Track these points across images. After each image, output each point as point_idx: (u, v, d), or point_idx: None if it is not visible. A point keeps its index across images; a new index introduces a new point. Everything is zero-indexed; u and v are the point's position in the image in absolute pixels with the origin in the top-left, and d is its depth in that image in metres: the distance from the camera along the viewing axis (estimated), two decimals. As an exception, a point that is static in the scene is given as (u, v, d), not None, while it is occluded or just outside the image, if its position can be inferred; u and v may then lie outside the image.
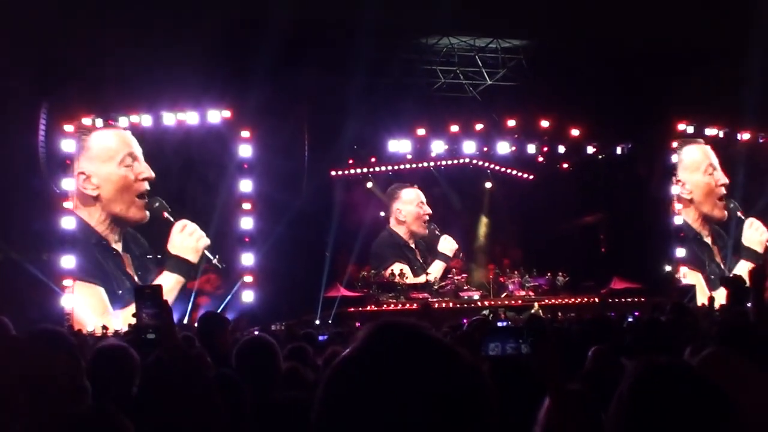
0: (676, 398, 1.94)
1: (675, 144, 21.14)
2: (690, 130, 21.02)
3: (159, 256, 17.18)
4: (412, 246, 22.03)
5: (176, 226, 17.13)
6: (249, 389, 4.09)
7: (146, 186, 17.12)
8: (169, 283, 16.48)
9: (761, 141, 21.23)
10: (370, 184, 22.66)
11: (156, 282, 15.99)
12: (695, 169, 20.76)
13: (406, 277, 20.84)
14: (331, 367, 1.41)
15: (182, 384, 3.12)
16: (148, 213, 17.08)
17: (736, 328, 3.58)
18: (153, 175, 17.09)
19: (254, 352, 4.21)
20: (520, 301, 19.82)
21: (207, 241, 17.12)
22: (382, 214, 22.60)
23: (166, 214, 17.13)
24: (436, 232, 21.95)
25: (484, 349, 2.84)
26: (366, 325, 1.44)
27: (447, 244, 21.74)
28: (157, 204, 17.20)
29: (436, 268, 21.75)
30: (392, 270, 21.01)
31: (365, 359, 1.38)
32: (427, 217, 21.90)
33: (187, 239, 17.15)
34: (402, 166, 22.87)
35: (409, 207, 21.64)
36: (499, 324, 11.50)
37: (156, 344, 3.27)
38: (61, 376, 2.64)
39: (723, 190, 20.75)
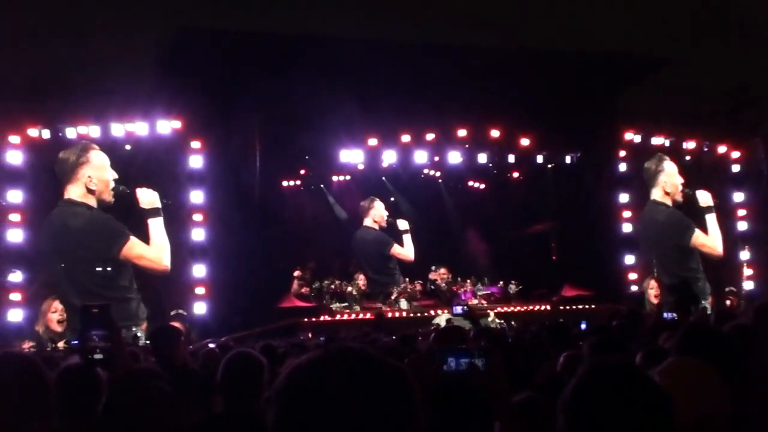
0: (616, 397, 1.97)
1: (622, 153, 21.38)
2: (637, 139, 21.32)
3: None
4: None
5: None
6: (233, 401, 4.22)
7: None
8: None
9: (705, 150, 21.61)
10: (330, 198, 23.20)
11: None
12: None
13: (364, 286, 20.75)
14: (284, 374, 1.70)
15: (134, 405, 3.08)
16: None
17: (699, 336, 3.62)
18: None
19: (242, 367, 4.39)
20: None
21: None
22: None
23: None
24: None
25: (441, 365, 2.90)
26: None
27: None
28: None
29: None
30: (351, 281, 20.86)
31: (312, 366, 1.68)
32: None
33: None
34: (352, 177, 22.99)
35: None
36: (455, 309, 11.63)
37: (103, 364, 3.20)
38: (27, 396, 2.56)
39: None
